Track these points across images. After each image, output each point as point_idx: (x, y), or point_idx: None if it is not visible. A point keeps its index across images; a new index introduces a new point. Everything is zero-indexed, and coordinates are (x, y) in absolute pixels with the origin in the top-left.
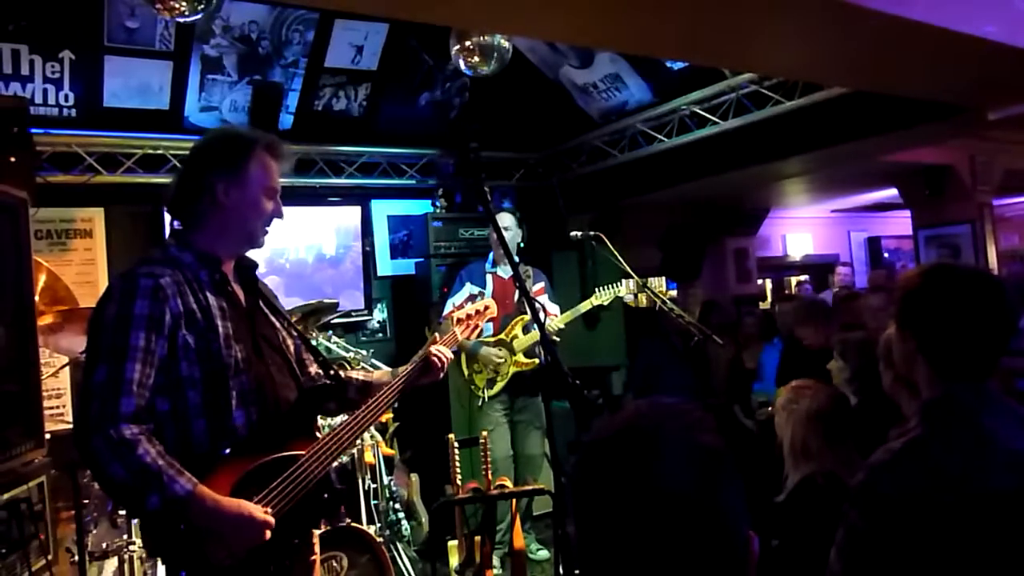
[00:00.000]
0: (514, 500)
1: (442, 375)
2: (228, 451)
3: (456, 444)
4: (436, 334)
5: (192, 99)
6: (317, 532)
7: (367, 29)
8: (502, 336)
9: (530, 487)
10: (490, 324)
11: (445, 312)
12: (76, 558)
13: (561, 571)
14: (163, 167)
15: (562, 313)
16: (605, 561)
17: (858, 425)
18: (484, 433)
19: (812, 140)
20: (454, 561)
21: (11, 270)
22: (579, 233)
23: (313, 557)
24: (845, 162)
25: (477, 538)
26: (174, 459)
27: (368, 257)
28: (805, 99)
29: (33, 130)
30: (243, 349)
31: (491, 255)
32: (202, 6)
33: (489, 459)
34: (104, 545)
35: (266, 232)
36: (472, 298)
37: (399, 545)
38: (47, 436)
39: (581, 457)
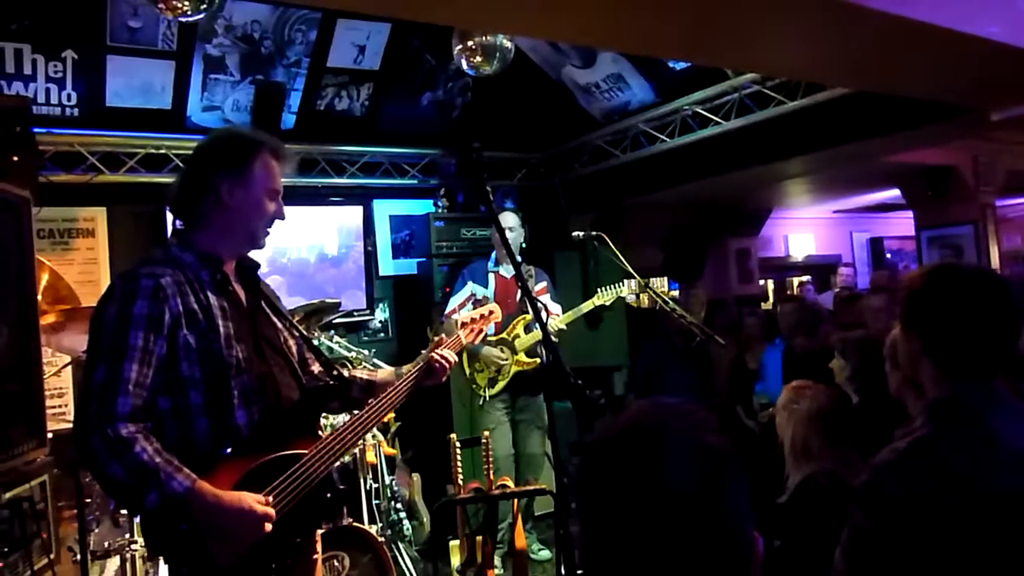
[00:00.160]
0: (515, 500)
1: (445, 378)
2: (230, 450)
3: (458, 444)
4: (441, 336)
5: (194, 99)
6: (319, 531)
7: (369, 29)
8: (503, 335)
9: (531, 487)
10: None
11: (447, 310)
12: (78, 557)
13: (563, 571)
14: (165, 167)
15: (564, 313)
16: (609, 561)
17: (860, 424)
18: (486, 433)
19: (814, 140)
20: (455, 561)
21: (14, 269)
22: (581, 233)
23: (315, 556)
24: (847, 163)
25: (479, 538)
26: (173, 456)
27: (370, 257)
28: (808, 99)
29: (36, 129)
30: (244, 349)
31: (493, 255)
32: (204, 5)
33: (491, 459)
34: (106, 544)
35: (267, 233)
36: (475, 300)
37: (401, 545)
38: (49, 435)
39: (586, 457)
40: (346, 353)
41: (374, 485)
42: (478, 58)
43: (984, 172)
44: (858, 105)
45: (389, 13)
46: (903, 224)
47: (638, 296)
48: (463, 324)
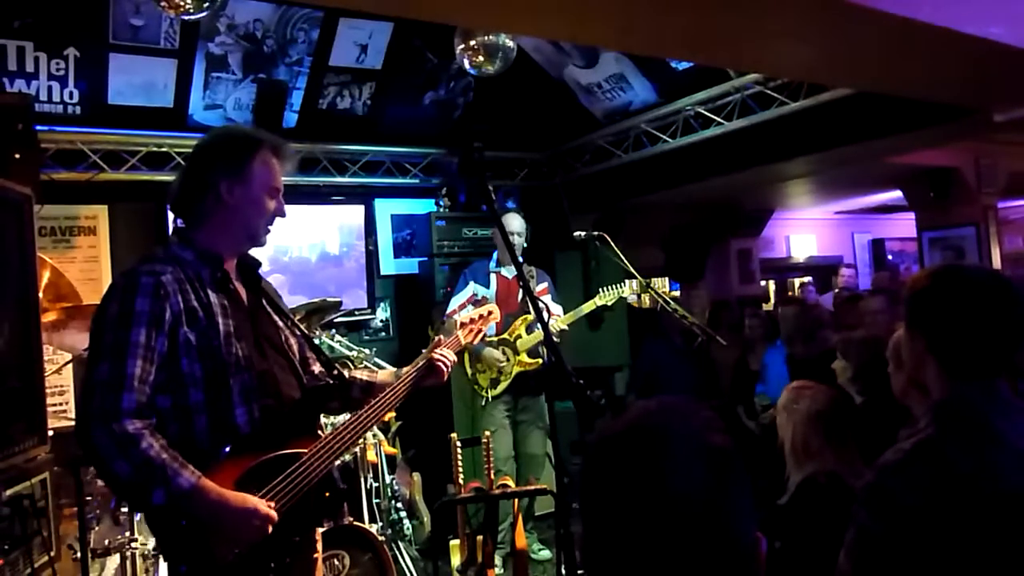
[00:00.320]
0: (516, 500)
1: (445, 378)
2: (230, 448)
3: (458, 443)
4: (440, 336)
5: (196, 97)
6: (320, 530)
7: (372, 28)
8: (505, 336)
9: (532, 487)
10: (493, 324)
11: (448, 310)
12: (78, 555)
13: (563, 571)
14: (167, 165)
15: (565, 314)
16: (611, 561)
17: (862, 424)
18: (486, 433)
19: (817, 141)
20: (456, 560)
21: (15, 267)
22: (583, 233)
23: (315, 555)
24: (849, 164)
25: (479, 538)
26: (177, 453)
27: (371, 256)
28: (810, 100)
29: (38, 127)
30: (244, 347)
31: (495, 255)
32: (207, 4)
33: (491, 459)
34: (106, 542)
35: (268, 231)
36: (475, 300)
37: (401, 544)
38: (50, 433)
39: (589, 456)
40: (347, 352)
41: (375, 484)
42: (480, 57)
43: (986, 174)
44: (860, 106)
45: (391, 12)
46: (905, 225)
47: (639, 296)
48: (462, 324)
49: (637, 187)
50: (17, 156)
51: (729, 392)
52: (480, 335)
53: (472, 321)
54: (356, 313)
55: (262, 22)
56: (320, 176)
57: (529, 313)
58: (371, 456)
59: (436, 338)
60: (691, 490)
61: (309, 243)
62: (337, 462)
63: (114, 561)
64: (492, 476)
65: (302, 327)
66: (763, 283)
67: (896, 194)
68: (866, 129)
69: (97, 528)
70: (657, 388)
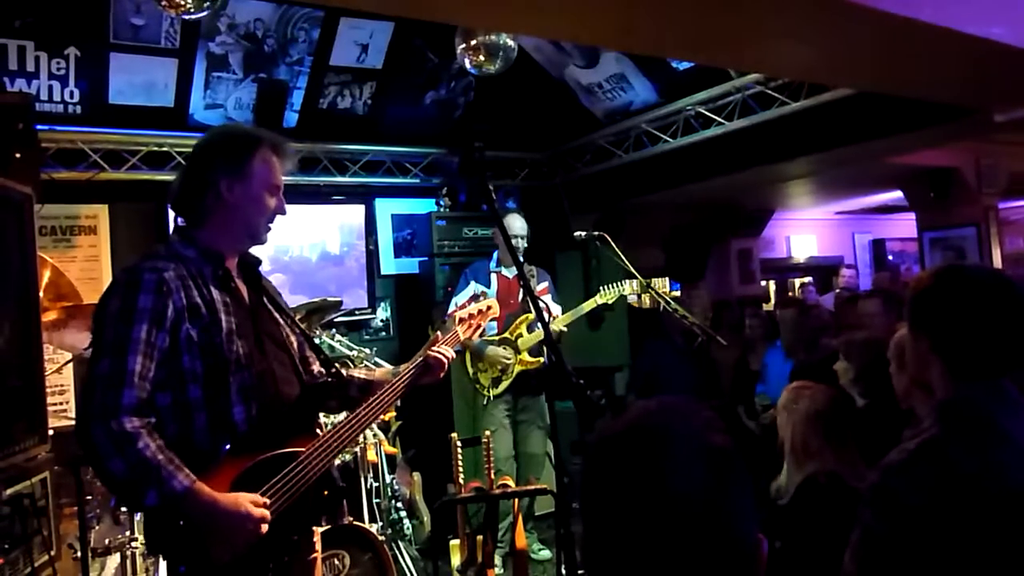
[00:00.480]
0: (516, 500)
1: (443, 375)
2: (228, 447)
3: (459, 443)
4: (438, 333)
5: (197, 96)
6: (319, 530)
7: (372, 27)
8: (506, 335)
9: (532, 487)
10: (494, 323)
11: (449, 311)
12: (78, 554)
13: (563, 571)
14: (167, 164)
15: (564, 313)
16: (612, 562)
17: (864, 425)
18: (487, 433)
19: (817, 141)
20: (456, 560)
21: (16, 266)
22: (583, 233)
23: (314, 555)
24: (850, 164)
25: (479, 537)
26: (174, 454)
27: (372, 256)
28: (811, 100)
29: (38, 126)
30: (245, 345)
31: (495, 255)
32: (207, 3)
33: (491, 458)
34: (106, 541)
35: (269, 229)
36: (475, 297)
37: (401, 544)
38: (50, 432)
39: (590, 455)
40: (347, 352)
41: (375, 484)
42: (481, 57)
43: (986, 174)
44: (861, 106)
45: (392, 11)
46: (905, 226)
47: (640, 296)
48: (461, 320)
49: (638, 187)
50: (18, 155)
51: (729, 392)
52: (479, 330)
53: (471, 316)
54: (356, 313)
55: (263, 21)
56: (321, 176)
57: (530, 312)
58: (371, 456)
59: (434, 335)
60: (692, 490)
61: (310, 243)
62: (336, 461)
63: (114, 560)
64: (492, 476)
65: (302, 326)
66: (763, 283)
67: (897, 194)
68: (867, 129)
69: (97, 527)
70: (657, 388)
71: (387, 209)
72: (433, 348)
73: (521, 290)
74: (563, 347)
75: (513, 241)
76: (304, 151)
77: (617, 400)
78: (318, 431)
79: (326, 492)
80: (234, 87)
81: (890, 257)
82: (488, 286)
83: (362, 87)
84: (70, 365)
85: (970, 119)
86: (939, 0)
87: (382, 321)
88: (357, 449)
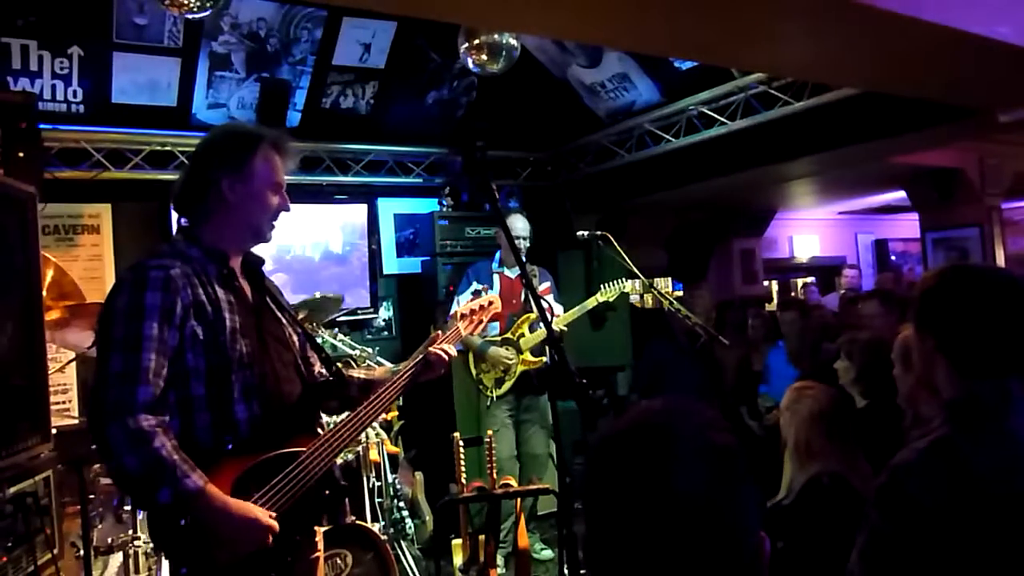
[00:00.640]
0: (518, 499)
1: (443, 371)
2: (230, 447)
3: (461, 443)
4: (439, 331)
5: (200, 96)
6: (321, 529)
7: (375, 27)
8: (508, 335)
9: (534, 486)
10: (496, 323)
11: (452, 311)
12: (81, 553)
13: (565, 571)
14: (170, 164)
15: (566, 312)
16: (615, 560)
17: (865, 425)
18: (489, 432)
19: (820, 141)
20: (458, 560)
21: (19, 265)
22: (585, 233)
23: (316, 554)
24: (853, 164)
25: (481, 537)
26: (185, 455)
27: (374, 255)
28: (814, 100)
29: (41, 125)
30: (249, 344)
31: (498, 254)
32: (211, 3)
33: (494, 458)
34: (109, 540)
35: (273, 227)
36: (477, 293)
37: (403, 543)
38: (53, 431)
39: (592, 455)
40: (350, 351)
41: (377, 483)
42: (484, 57)
43: (990, 174)
44: (864, 106)
45: (395, 11)
46: (908, 226)
47: (642, 296)
48: (462, 316)
49: (640, 187)
50: (21, 154)
51: (732, 393)
52: (481, 325)
53: (472, 312)
54: (359, 312)
55: (265, 21)
56: (323, 175)
57: (532, 312)
58: (373, 455)
59: (434, 333)
60: (695, 490)
61: (312, 242)
62: (338, 460)
63: (117, 559)
64: (494, 476)
65: (303, 325)
66: (766, 283)
67: (900, 194)
68: (870, 129)
69: (100, 526)
70: (660, 388)
71: (389, 209)
72: (434, 346)
73: (523, 290)
74: (565, 347)
75: (515, 241)
76: (307, 150)
77: (619, 400)
78: (319, 431)
79: (328, 492)
80: (237, 86)
81: (893, 257)
82: (491, 286)
83: (364, 87)
84: (73, 364)
85: (974, 119)
86: (944, 0)
87: (384, 321)
88: (359, 448)
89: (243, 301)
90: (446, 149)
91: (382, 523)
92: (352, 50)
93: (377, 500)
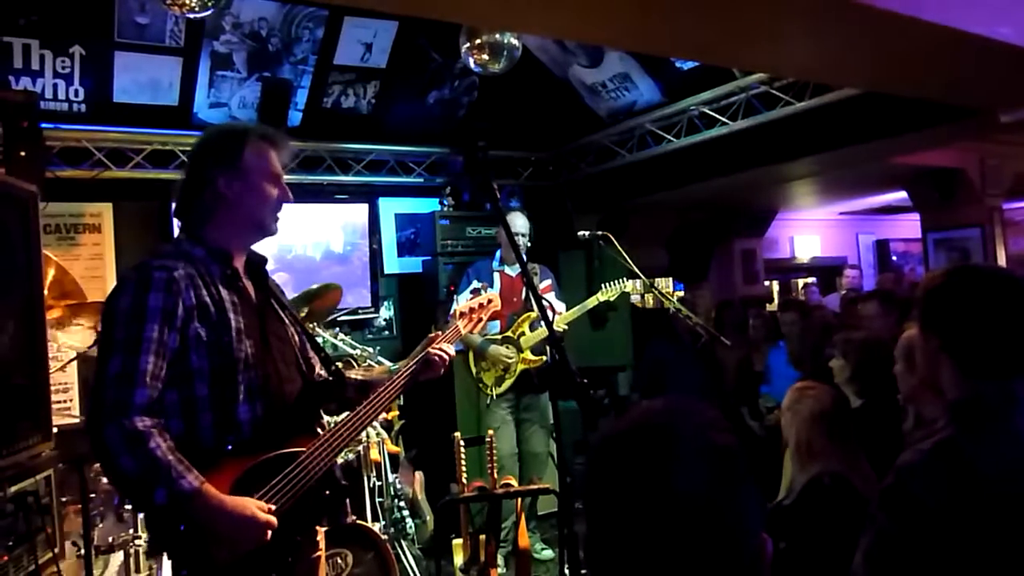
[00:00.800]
0: (519, 499)
1: (443, 371)
2: (231, 447)
3: (462, 442)
4: (438, 332)
5: (201, 95)
6: (322, 529)
7: (376, 27)
8: (508, 333)
9: (535, 486)
10: (497, 322)
11: (453, 310)
12: (82, 552)
13: (566, 571)
14: (172, 163)
15: (567, 311)
16: (615, 561)
17: (860, 424)
18: (490, 432)
19: (822, 142)
20: (458, 560)
21: (21, 264)
22: (586, 233)
23: (317, 554)
24: (855, 164)
25: (481, 537)
26: (182, 455)
27: (375, 255)
28: (815, 100)
29: (43, 125)
30: (252, 344)
31: (498, 253)
32: (212, 2)
33: (494, 458)
34: (110, 539)
35: (277, 219)
36: (476, 291)
37: (403, 543)
38: (54, 430)
39: (593, 454)
40: (350, 351)
41: (377, 483)
42: (485, 56)
43: (991, 175)
44: (866, 106)
45: (396, 10)
46: (909, 226)
47: (643, 296)
48: (462, 314)
49: (641, 187)
50: (22, 154)
51: (733, 393)
52: (480, 324)
53: (472, 310)
54: (360, 312)
55: (267, 20)
56: (324, 175)
57: (532, 311)
58: (374, 455)
59: (433, 333)
60: (696, 490)
61: (313, 241)
62: (338, 460)
63: (117, 558)
64: (495, 475)
65: (304, 325)
66: (767, 284)
67: (901, 195)
68: (871, 129)
69: (101, 525)
70: (661, 388)
71: (390, 208)
72: (434, 346)
73: (524, 288)
74: (566, 347)
75: (519, 238)
76: (308, 150)
77: (620, 400)
78: (319, 431)
79: (328, 492)
80: (238, 86)
81: (894, 258)
82: (491, 284)
83: (366, 86)
84: (74, 363)
85: (975, 120)
86: (944, 0)
87: (385, 320)
88: (360, 448)
89: (247, 301)
90: (447, 149)
91: (382, 523)
92: (353, 50)
93: (378, 500)
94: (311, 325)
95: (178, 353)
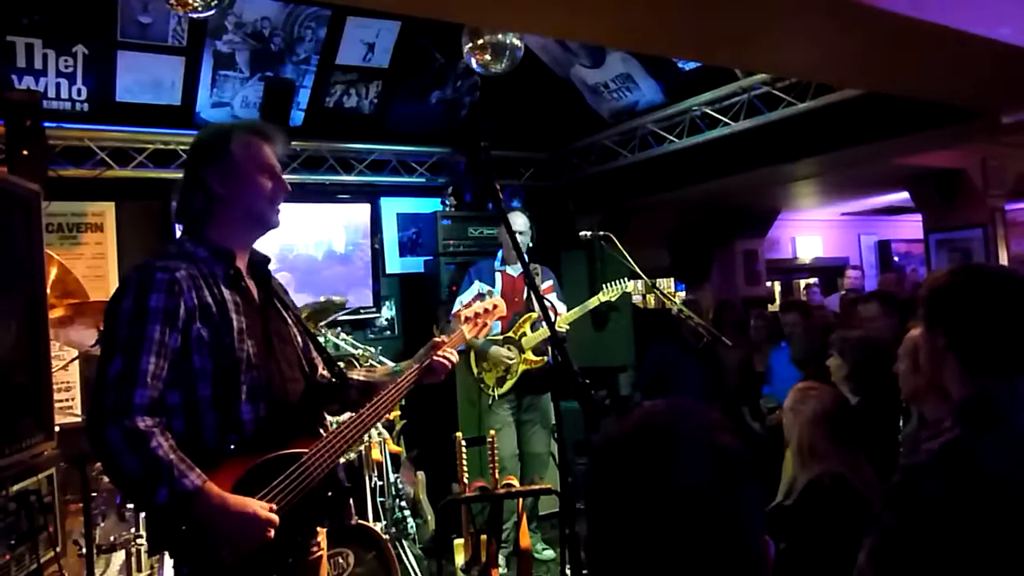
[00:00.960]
0: (520, 499)
1: (445, 376)
2: (233, 447)
3: (463, 442)
4: (443, 337)
5: (204, 95)
6: (323, 530)
7: (379, 27)
8: (510, 334)
9: (536, 486)
10: (498, 322)
11: (454, 310)
12: (84, 551)
13: (567, 571)
14: (174, 162)
15: (568, 311)
16: (617, 561)
17: (858, 424)
18: (491, 432)
19: (824, 142)
20: (459, 560)
21: (23, 263)
22: (588, 233)
23: (319, 554)
24: (857, 165)
25: (483, 537)
26: (184, 455)
27: (377, 254)
28: (817, 101)
29: (46, 124)
30: (254, 345)
31: (500, 253)
32: (215, 2)
33: (496, 458)
34: (112, 538)
35: (277, 211)
36: (480, 296)
37: (405, 543)
38: (56, 429)
39: (596, 455)
40: (352, 350)
41: (379, 483)
42: (487, 57)
43: (993, 175)
44: (868, 107)
45: (399, 10)
46: (911, 227)
47: (644, 297)
48: (467, 319)
49: (643, 187)
50: (25, 152)
51: (734, 393)
52: (485, 328)
53: (477, 315)
54: (361, 312)
55: (270, 20)
56: (326, 174)
57: (534, 311)
58: (376, 455)
59: (438, 338)
60: (698, 491)
61: (315, 241)
62: (341, 461)
63: (119, 557)
64: (496, 475)
65: (306, 325)
66: (769, 284)
67: (903, 195)
68: (873, 130)
69: (103, 524)
70: (663, 389)
71: (392, 208)
72: (438, 352)
73: (525, 288)
74: (568, 347)
75: (518, 236)
76: (310, 150)
77: (621, 400)
78: (322, 432)
79: (330, 493)
80: (241, 86)
81: (896, 258)
82: (492, 284)
83: (368, 86)
84: (76, 362)
85: (977, 120)
86: (946, 1)
87: (387, 320)
88: (362, 448)
89: (249, 302)
90: (449, 149)
91: (384, 522)
92: (356, 49)
93: (379, 499)
94: (319, 326)
95: (180, 354)
